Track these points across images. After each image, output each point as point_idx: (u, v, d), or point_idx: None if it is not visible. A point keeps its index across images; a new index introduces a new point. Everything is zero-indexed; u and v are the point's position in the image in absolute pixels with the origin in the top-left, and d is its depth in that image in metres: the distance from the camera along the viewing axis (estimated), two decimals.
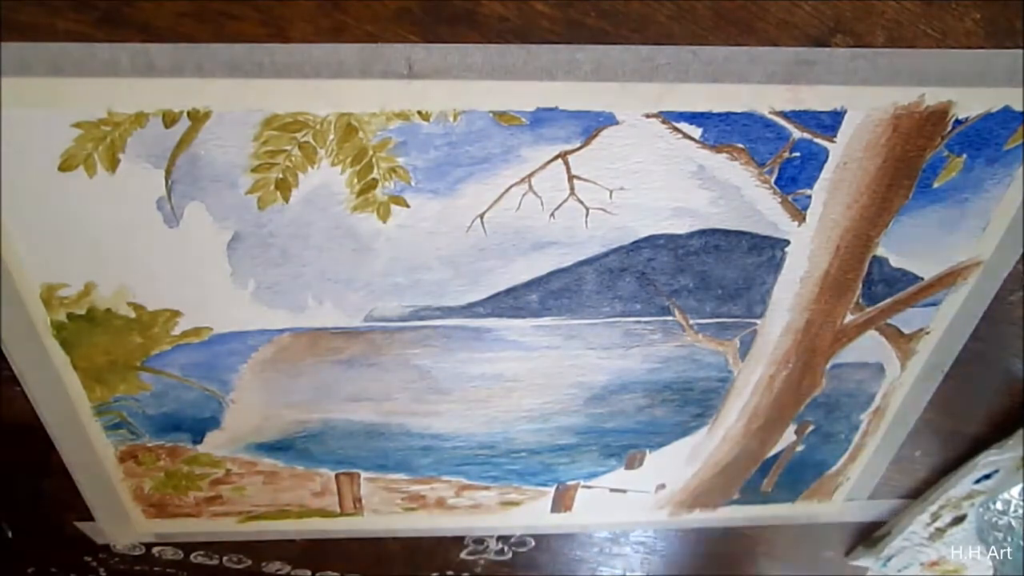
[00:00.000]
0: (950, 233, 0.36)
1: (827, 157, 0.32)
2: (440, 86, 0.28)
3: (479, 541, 0.51)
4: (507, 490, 0.46)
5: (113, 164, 0.28)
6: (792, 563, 0.58)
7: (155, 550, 0.48)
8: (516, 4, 0.26)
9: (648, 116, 0.30)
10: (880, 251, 0.36)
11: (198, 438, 0.39)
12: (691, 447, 0.45)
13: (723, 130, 0.31)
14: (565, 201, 0.32)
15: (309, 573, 0.52)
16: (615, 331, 0.38)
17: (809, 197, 0.33)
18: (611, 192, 0.32)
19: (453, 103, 0.28)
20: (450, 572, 0.54)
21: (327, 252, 0.32)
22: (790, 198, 0.33)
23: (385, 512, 0.46)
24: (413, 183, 0.31)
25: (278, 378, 0.37)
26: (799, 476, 0.48)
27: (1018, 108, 0.31)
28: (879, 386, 0.43)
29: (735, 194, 0.33)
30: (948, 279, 0.38)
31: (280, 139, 0.28)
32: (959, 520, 0.51)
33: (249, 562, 0.50)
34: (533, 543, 0.52)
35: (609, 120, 0.30)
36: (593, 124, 0.30)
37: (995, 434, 0.47)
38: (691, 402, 0.42)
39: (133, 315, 0.33)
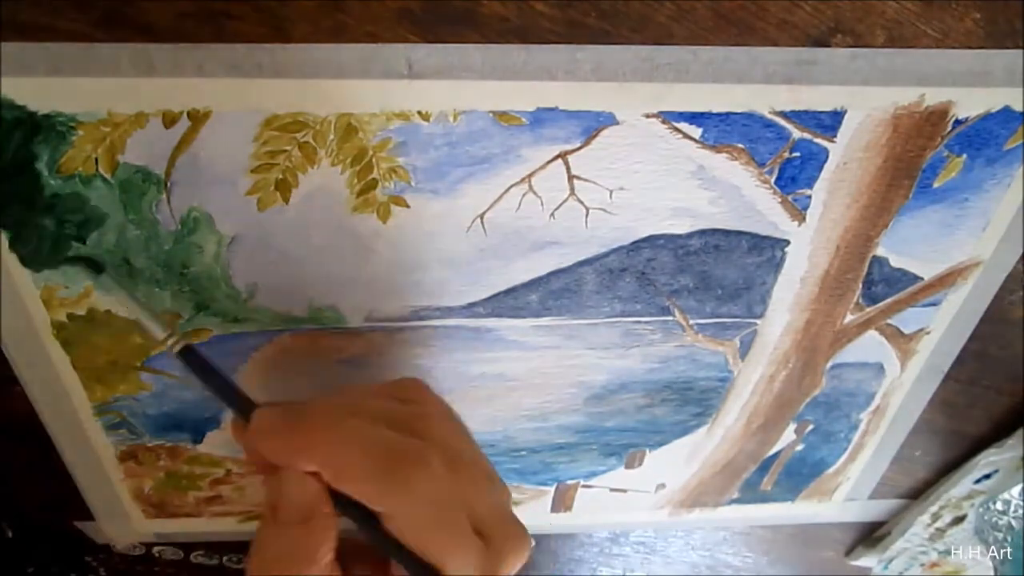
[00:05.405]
0: (950, 233, 0.36)
1: (827, 157, 0.32)
2: (440, 86, 0.28)
3: None
4: None
5: (112, 166, 0.28)
6: (792, 563, 0.58)
7: (155, 550, 0.48)
8: (516, 4, 0.26)
9: (648, 116, 0.30)
10: (880, 251, 0.36)
11: (198, 438, 0.39)
12: (691, 446, 0.45)
13: (723, 130, 0.31)
14: (565, 201, 0.32)
15: None
16: (615, 331, 0.38)
17: (809, 197, 0.33)
18: (611, 192, 0.32)
19: (453, 103, 0.28)
20: None
21: (327, 252, 0.32)
22: (790, 198, 0.33)
23: None
24: (413, 183, 0.31)
25: (278, 378, 0.37)
26: (799, 475, 0.48)
27: (1018, 108, 0.31)
28: (879, 386, 0.43)
29: (735, 194, 0.33)
30: (948, 279, 0.38)
31: (280, 139, 0.28)
32: (959, 520, 0.51)
33: None
34: (533, 543, 0.52)
35: (609, 120, 0.30)
36: (593, 124, 0.30)
37: (995, 434, 0.47)
38: (691, 402, 0.42)
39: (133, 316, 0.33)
